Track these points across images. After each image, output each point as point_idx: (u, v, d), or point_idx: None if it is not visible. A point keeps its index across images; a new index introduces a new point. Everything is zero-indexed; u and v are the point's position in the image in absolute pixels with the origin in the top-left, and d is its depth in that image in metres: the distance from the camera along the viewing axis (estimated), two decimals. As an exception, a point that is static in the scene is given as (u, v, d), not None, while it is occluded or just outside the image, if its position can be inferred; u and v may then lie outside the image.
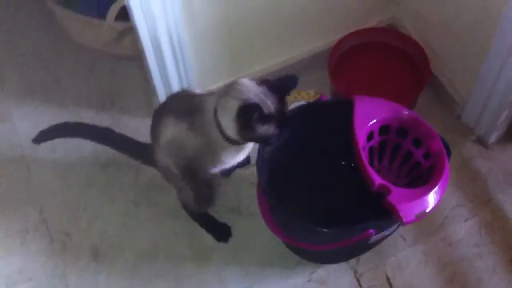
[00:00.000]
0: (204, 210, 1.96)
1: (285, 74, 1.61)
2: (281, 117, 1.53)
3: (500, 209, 2.00)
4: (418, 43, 2.22)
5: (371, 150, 1.82)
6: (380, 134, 1.80)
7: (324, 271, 1.90)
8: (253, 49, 2.18)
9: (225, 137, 1.57)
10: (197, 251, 1.97)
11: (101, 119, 2.24)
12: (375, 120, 1.75)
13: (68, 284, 1.93)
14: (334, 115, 1.81)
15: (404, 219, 1.56)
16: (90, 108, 2.29)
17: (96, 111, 2.29)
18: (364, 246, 1.83)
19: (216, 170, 1.76)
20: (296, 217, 1.63)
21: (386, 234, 1.76)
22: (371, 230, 1.60)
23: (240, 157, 1.72)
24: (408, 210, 1.57)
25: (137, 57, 2.24)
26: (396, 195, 1.59)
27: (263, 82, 1.55)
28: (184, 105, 1.66)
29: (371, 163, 1.70)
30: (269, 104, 1.51)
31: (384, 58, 2.27)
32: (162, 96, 2.12)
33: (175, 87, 2.09)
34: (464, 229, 1.96)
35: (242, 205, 2.05)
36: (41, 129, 2.18)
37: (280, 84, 1.56)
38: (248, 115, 1.48)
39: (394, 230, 1.80)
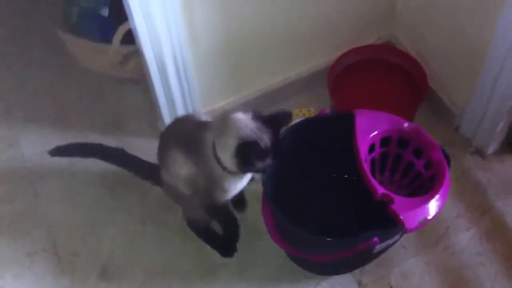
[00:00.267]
0: (234, 242, 2.00)
1: (279, 109, 1.65)
2: (276, 149, 1.59)
3: (500, 218, 2.04)
4: (415, 58, 2.28)
5: (372, 162, 1.87)
6: (381, 146, 1.85)
7: (328, 283, 1.93)
8: (254, 69, 2.23)
9: (226, 170, 1.63)
10: (204, 269, 1.99)
11: (107, 142, 2.27)
12: (376, 132, 1.80)
13: (77, 304, 1.96)
14: (335, 129, 1.87)
15: (407, 227, 1.60)
16: (96, 131, 2.34)
17: (102, 134, 2.33)
18: (367, 256, 1.86)
19: (225, 197, 1.81)
20: (302, 228, 1.67)
21: (390, 243, 1.80)
22: (375, 238, 1.64)
23: (243, 183, 1.77)
24: (411, 217, 1.61)
25: (141, 80, 2.30)
26: (399, 203, 1.63)
27: (258, 116, 1.59)
28: (189, 137, 1.71)
29: (373, 175, 1.74)
30: (265, 139, 1.56)
31: (382, 74, 2.33)
32: (167, 117, 2.17)
33: (180, 108, 2.14)
34: (466, 239, 2.00)
35: (247, 221, 2.07)
36: (45, 154, 2.24)
37: (274, 119, 1.61)
38: (247, 152, 1.55)
39: (397, 240, 1.83)
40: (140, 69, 2.17)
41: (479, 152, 2.19)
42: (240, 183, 1.74)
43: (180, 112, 2.15)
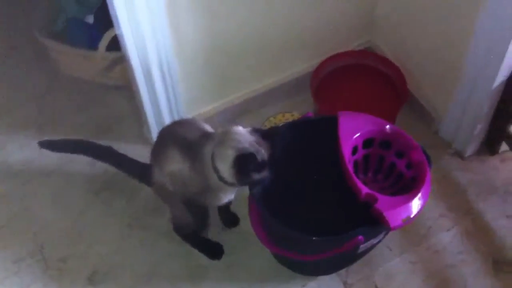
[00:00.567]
0: (201, 233, 2.02)
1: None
2: (274, 162, 1.65)
3: (481, 218, 2.09)
4: (395, 64, 2.33)
5: (356, 163, 1.91)
6: (364, 148, 1.90)
7: (315, 283, 1.96)
8: (238, 75, 2.27)
9: (223, 180, 1.67)
10: (192, 271, 2.01)
11: (93, 148, 2.31)
12: (359, 134, 1.84)
13: (65, 309, 1.97)
14: (319, 131, 1.91)
15: (391, 225, 1.64)
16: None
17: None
18: (353, 256, 1.89)
19: (215, 204, 1.86)
20: (288, 227, 1.70)
21: (374, 242, 1.83)
22: (360, 237, 1.67)
23: (237, 192, 1.81)
24: (394, 216, 1.66)
25: (127, 86, 2.33)
26: (383, 202, 1.67)
27: (256, 131, 1.66)
28: (189, 140, 1.75)
29: (356, 176, 1.78)
30: (262, 152, 1.62)
31: (363, 79, 2.38)
32: (152, 123, 2.20)
33: (165, 113, 2.17)
34: (448, 238, 2.04)
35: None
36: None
37: (271, 133, 1.68)
38: (244, 164, 1.61)
39: (381, 239, 1.87)
40: (126, 75, 2.20)
41: (459, 154, 2.25)
42: (232, 193, 1.79)
43: (166, 117, 2.18)
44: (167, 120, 2.18)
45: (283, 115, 2.33)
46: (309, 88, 2.28)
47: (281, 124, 2.26)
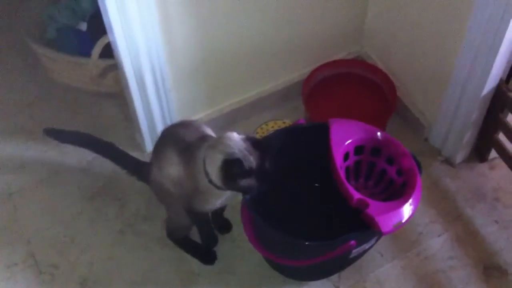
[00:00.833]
0: (209, 247, 2.05)
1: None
2: (262, 172, 1.65)
3: (470, 224, 2.11)
4: (384, 72, 2.36)
5: (347, 169, 1.93)
6: (355, 154, 1.92)
7: (307, 289, 1.98)
8: (230, 82, 2.29)
9: (213, 184, 1.68)
10: (184, 277, 2.02)
11: (86, 155, 2.30)
12: (350, 140, 1.87)
13: (58, 314, 1.97)
14: (310, 138, 1.93)
15: (382, 230, 1.66)
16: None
17: (81, 148, 2.33)
18: (345, 261, 1.91)
19: (205, 208, 1.86)
20: (280, 232, 1.71)
21: (366, 247, 1.85)
22: (352, 242, 1.69)
23: (225, 199, 1.81)
24: (385, 221, 1.68)
25: (119, 94, 2.34)
26: (374, 208, 1.69)
27: (250, 139, 1.67)
28: (187, 142, 1.77)
29: (348, 182, 1.80)
30: (251, 160, 1.63)
31: (354, 87, 2.41)
32: (145, 130, 2.21)
33: (158, 120, 2.18)
34: (438, 244, 2.06)
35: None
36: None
37: (263, 143, 1.69)
38: (230, 168, 1.61)
39: (373, 245, 1.89)
40: (118, 82, 2.21)
41: (448, 161, 2.28)
42: (222, 198, 1.79)
43: (159, 124, 2.19)
44: (160, 127, 2.19)
45: (275, 122, 2.35)
46: (301, 96, 2.30)
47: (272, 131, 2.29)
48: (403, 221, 1.70)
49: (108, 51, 2.10)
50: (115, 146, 2.04)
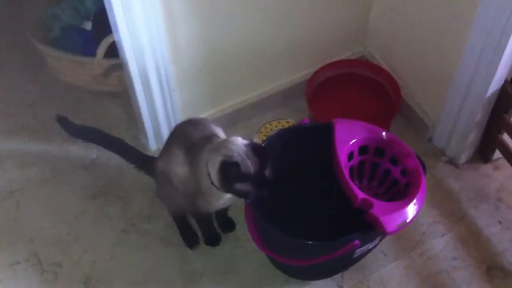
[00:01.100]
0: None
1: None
2: (260, 180, 1.66)
3: (474, 224, 2.11)
4: (388, 72, 2.36)
5: (351, 170, 1.93)
6: (360, 154, 1.91)
7: (311, 288, 1.98)
8: (233, 83, 2.29)
9: (213, 184, 1.69)
10: (187, 276, 2.02)
11: (89, 153, 2.32)
12: (354, 140, 1.86)
13: (61, 313, 1.97)
14: (314, 138, 1.94)
15: (387, 230, 1.66)
16: (78, 144, 2.35)
17: (84, 148, 2.34)
18: (348, 261, 1.91)
19: (208, 209, 1.88)
20: (283, 232, 1.71)
21: (370, 247, 1.85)
22: (356, 241, 1.69)
23: (227, 201, 1.82)
24: (390, 221, 1.67)
25: (121, 93, 2.34)
26: (378, 208, 1.69)
27: (252, 144, 1.68)
28: (194, 142, 1.78)
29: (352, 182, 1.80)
30: (249, 165, 1.63)
31: (357, 87, 2.40)
32: (149, 130, 2.22)
33: (162, 120, 2.19)
34: (442, 244, 2.06)
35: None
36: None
37: (265, 150, 1.69)
38: (227, 170, 1.63)
39: (376, 245, 1.89)
40: (122, 82, 2.21)
41: (452, 162, 2.27)
42: (224, 200, 1.79)
43: (163, 124, 2.20)
44: (164, 127, 2.20)
45: (278, 122, 2.35)
46: (304, 96, 2.30)
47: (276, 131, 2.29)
48: (408, 221, 1.70)
49: (112, 51, 2.10)
50: (124, 142, 2.05)
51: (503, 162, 2.23)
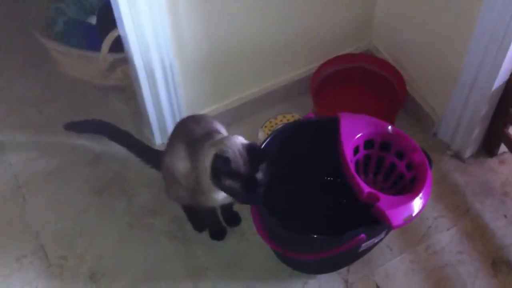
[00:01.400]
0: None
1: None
2: (249, 180, 1.65)
3: (479, 218, 2.11)
4: (394, 66, 2.36)
5: (356, 164, 1.93)
6: (365, 148, 1.91)
7: (316, 282, 1.98)
8: (238, 78, 2.29)
9: (211, 179, 1.70)
10: (192, 270, 2.02)
11: (93, 148, 2.32)
12: (360, 134, 1.86)
13: (67, 306, 1.98)
14: (320, 132, 1.94)
15: (393, 223, 1.66)
16: (82, 138, 2.35)
17: (89, 142, 2.35)
18: (354, 255, 1.91)
19: (208, 204, 1.88)
20: (289, 226, 1.71)
21: (375, 241, 1.85)
22: (362, 235, 1.69)
23: (226, 197, 1.81)
24: (396, 215, 1.67)
25: (126, 88, 2.34)
26: (384, 202, 1.69)
27: (251, 146, 1.67)
28: (195, 137, 1.78)
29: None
30: (240, 164, 1.63)
31: (362, 81, 2.41)
32: (154, 124, 2.22)
33: (167, 115, 2.19)
34: (447, 238, 2.07)
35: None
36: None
37: (261, 153, 1.69)
38: (218, 164, 1.63)
39: (382, 239, 1.89)
40: (127, 76, 2.22)
41: (457, 156, 2.27)
42: (222, 196, 1.79)
43: (168, 118, 2.20)
44: (169, 121, 2.20)
45: (283, 117, 2.34)
46: (308, 91, 2.30)
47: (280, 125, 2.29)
48: (413, 215, 1.70)
49: (117, 45, 2.10)
50: (133, 135, 2.08)
51: (509, 156, 2.23)
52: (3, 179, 2.27)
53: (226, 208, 2.05)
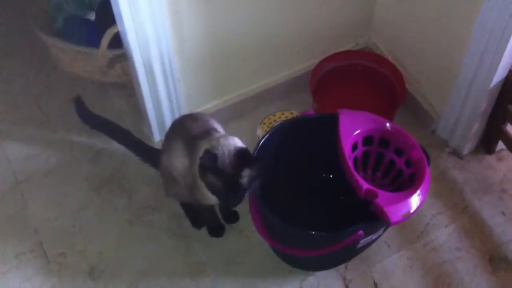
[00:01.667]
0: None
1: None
2: (232, 181, 1.66)
3: (477, 215, 2.12)
4: (393, 63, 2.36)
5: (355, 161, 1.93)
6: (364, 145, 1.92)
7: (314, 279, 1.98)
8: (237, 74, 2.29)
9: (198, 174, 1.71)
10: (192, 267, 2.03)
11: (93, 145, 2.32)
12: (359, 131, 1.87)
13: (66, 303, 1.98)
14: (318, 129, 1.94)
15: (391, 220, 1.66)
16: (82, 135, 2.36)
17: (88, 138, 2.35)
18: (352, 251, 1.91)
19: (205, 202, 1.87)
20: (288, 222, 1.72)
21: (373, 238, 1.86)
22: (360, 232, 1.69)
23: None
24: (394, 211, 1.68)
25: (125, 85, 2.35)
26: (383, 198, 1.70)
27: (242, 152, 1.69)
28: (192, 136, 1.79)
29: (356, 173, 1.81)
30: (226, 163, 1.65)
31: (361, 78, 2.41)
32: (153, 121, 2.22)
33: (166, 111, 2.19)
34: (445, 235, 2.07)
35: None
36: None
37: (251, 159, 1.70)
38: (204, 159, 1.65)
39: (380, 235, 1.89)
40: (126, 73, 2.22)
41: (456, 153, 2.28)
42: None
43: (167, 114, 2.20)
44: (168, 118, 2.20)
45: (282, 113, 2.35)
46: (308, 87, 2.30)
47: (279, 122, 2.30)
48: (412, 211, 1.71)
49: (116, 42, 2.10)
50: (132, 134, 2.09)
51: (507, 153, 2.23)
52: (2, 176, 2.27)
53: (224, 206, 2.05)
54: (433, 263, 2.01)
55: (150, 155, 2.06)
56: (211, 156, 1.65)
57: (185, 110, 2.22)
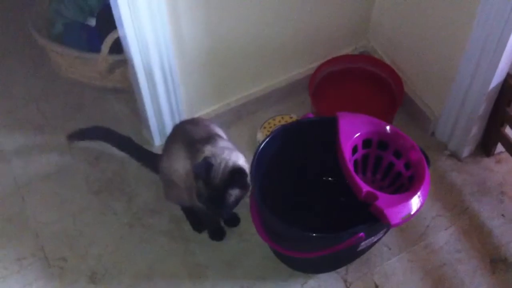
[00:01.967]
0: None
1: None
2: (216, 193, 1.70)
3: (477, 217, 2.13)
4: (391, 67, 2.37)
5: (355, 163, 1.94)
6: (363, 148, 1.93)
7: (315, 281, 1.98)
8: (236, 78, 2.30)
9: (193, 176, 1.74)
10: (191, 269, 2.03)
11: (93, 148, 2.32)
12: (358, 134, 1.87)
13: (67, 306, 1.98)
14: (318, 132, 1.95)
15: (391, 222, 1.67)
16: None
17: (89, 141, 2.33)
18: (353, 254, 1.92)
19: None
20: (288, 225, 1.73)
21: (374, 240, 1.86)
22: (361, 234, 1.70)
23: None
24: (394, 213, 1.68)
25: (125, 90, 2.35)
26: (383, 200, 1.70)
27: (237, 170, 1.71)
28: (194, 141, 1.81)
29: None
30: (213, 176, 1.69)
31: (360, 82, 2.42)
32: (153, 125, 2.22)
33: (166, 116, 2.20)
34: (445, 237, 2.08)
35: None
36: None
37: (239, 178, 1.72)
38: (201, 165, 1.68)
39: (381, 238, 1.90)
40: (126, 78, 2.22)
41: (455, 155, 2.28)
42: None
43: (167, 119, 2.20)
44: (168, 122, 2.21)
45: (282, 118, 2.36)
46: (307, 91, 2.31)
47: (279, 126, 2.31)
48: (412, 213, 1.71)
49: (116, 47, 2.11)
50: (132, 140, 2.11)
51: (506, 155, 2.24)
52: (3, 180, 2.27)
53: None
54: (433, 265, 2.02)
55: (152, 161, 2.07)
56: (205, 164, 1.67)
57: (185, 114, 2.23)
